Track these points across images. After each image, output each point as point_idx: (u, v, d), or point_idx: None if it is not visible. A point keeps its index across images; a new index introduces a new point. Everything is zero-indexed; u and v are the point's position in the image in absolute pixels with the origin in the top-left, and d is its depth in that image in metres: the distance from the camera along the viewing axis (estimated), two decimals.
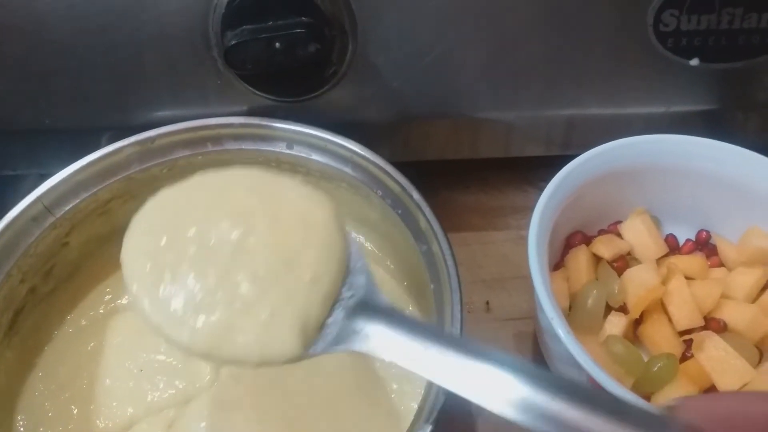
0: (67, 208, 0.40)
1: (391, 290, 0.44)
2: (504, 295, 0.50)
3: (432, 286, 0.36)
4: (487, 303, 0.50)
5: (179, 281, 0.27)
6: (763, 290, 0.46)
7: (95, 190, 0.41)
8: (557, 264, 0.48)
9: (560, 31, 0.45)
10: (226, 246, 0.28)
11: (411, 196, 0.39)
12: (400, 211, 0.40)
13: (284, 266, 0.28)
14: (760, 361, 0.44)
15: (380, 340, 0.27)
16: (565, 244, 0.48)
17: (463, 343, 0.26)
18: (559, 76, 0.47)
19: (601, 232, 0.50)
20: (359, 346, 0.27)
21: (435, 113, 0.49)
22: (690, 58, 0.46)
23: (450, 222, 0.54)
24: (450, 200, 0.57)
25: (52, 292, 0.42)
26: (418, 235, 0.38)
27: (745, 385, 0.40)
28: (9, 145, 0.48)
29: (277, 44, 0.39)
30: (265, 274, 0.27)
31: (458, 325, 0.33)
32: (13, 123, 0.47)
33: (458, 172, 0.57)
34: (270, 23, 0.40)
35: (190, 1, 0.41)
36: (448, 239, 0.37)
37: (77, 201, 0.40)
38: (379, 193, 0.41)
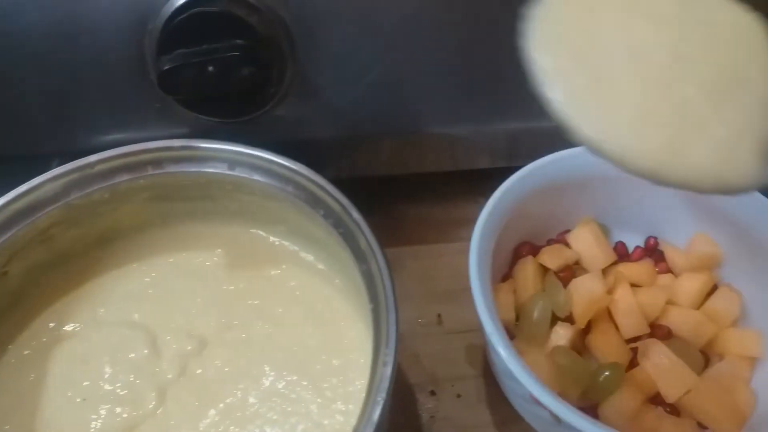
0: (3, 239, 0.39)
1: (338, 308, 0.43)
2: (456, 307, 0.50)
3: (371, 305, 0.36)
4: (439, 316, 0.50)
5: (612, 86, 0.24)
6: (708, 296, 0.46)
7: (33, 218, 0.40)
8: (506, 275, 0.48)
9: (498, 47, 0.45)
10: (660, 53, 0.25)
11: (350, 215, 0.39)
12: (341, 231, 0.39)
13: (733, 82, 0.24)
14: (706, 366, 0.44)
15: None
16: (514, 255, 0.49)
17: None
18: (501, 91, 0.47)
19: (551, 241, 0.50)
20: None
21: (379, 130, 0.49)
22: None
23: (403, 235, 0.55)
24: (404, 214, 0.57)
25: None
26: (358, 254, 0.38)
27: (688, 391, 0.41)
28: None
29: (211, 68, 0.39)
30: (715, 88, 0.24)
31: (393, 346, 0.33)
32: None
33: (412, 185, 0.57)
34: (204, 47, 0.39)
35: (126, 26, 0.41)
36: (386, 259, 0.37)
37: (15, 229, 0.40)
38: (321, 212, 0.40)
